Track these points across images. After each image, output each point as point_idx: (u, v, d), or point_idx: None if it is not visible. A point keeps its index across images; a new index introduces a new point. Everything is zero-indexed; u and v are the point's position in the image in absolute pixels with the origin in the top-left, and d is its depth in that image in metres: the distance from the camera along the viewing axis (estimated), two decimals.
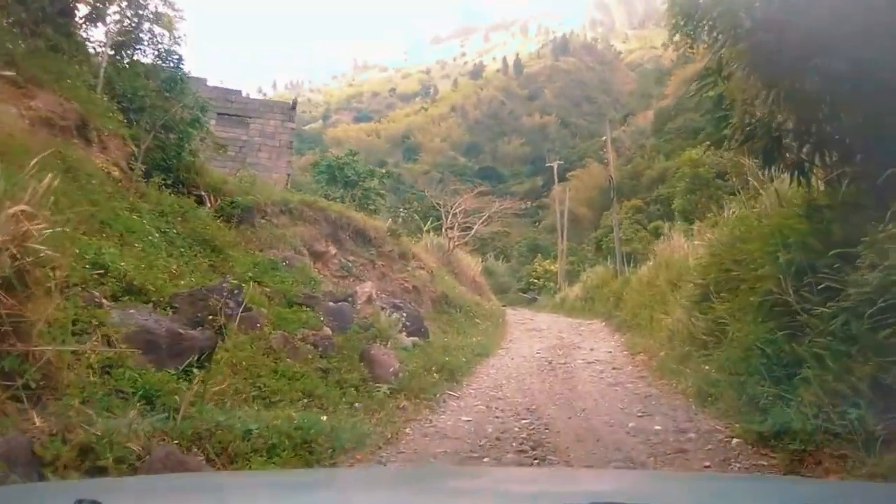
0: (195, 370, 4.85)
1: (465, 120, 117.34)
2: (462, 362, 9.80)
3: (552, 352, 13.05)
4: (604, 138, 45.83)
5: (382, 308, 10.36)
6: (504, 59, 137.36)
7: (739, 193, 12.98)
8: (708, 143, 9.90)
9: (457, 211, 30.27)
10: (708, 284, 8.62)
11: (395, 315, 10.08)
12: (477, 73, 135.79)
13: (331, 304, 9.45)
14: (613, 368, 10.74)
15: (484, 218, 29.50)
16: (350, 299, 10.19)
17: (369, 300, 10.28)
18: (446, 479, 2.73)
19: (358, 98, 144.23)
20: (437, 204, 30.95)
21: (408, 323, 10.40)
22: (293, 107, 18.53)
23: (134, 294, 5.63)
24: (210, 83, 18.27)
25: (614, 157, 46.51)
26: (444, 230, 29.32)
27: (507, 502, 2.06)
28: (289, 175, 18.23)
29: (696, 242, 12.87)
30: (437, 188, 38.61)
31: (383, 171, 27.21)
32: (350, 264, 14.55)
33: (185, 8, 12.99)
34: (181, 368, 4.67)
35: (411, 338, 9.95)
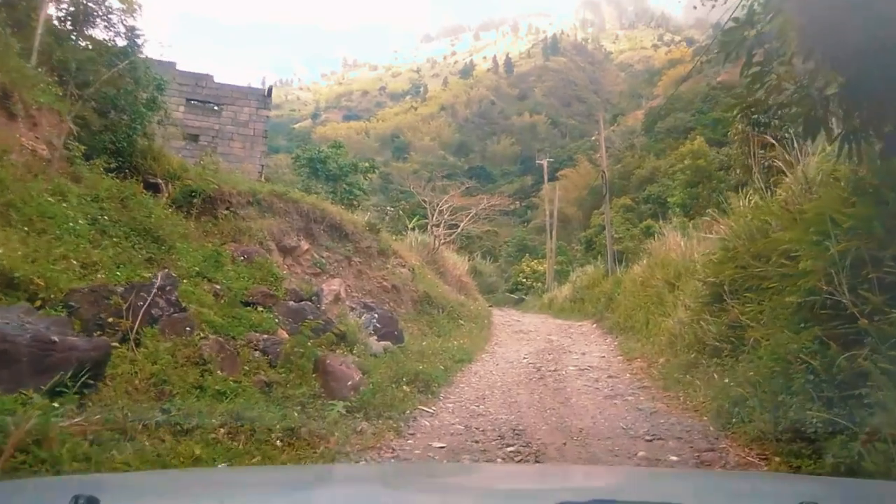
0: (77, 390, 3.64)
1: (454, 119, 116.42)
2: (440, 370, 8.60)
3: (541, 357, 11.89)
4: (594, 137, 44.97)
5: (352, 308, 9.18)
6: (494, 59, 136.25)
7: (747, 185, 11.91)
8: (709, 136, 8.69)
9: (443, 208, 29.06)
10: (721, 283, 7.47)
11: (365, 316, 8.88)
12: (467, 72, 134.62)
13: (291, 303, 8.23)
14: (609, 377, 9.59)
15: (471, 215, 28.29)
16: (315, 298, 8.97)
17: (337, 299, 9.09)
18: (445, 476, 2.72)
19: (347, 96, 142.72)
20: (424, 201, 29.72)
21: (379, 325, 9.21)
22: (268, 93, 17.26)
23: (13, 290, 4.40)
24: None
25: (606, 153, 45.75)
26: (429, 228, 28.12)
27: (508, 500, 2.02)
28: (263, 166, 16.96)
29: (705, 236, 11.66)
30: (426, 187, 37.44)
31: (367, 164, 25.86)
32: (324, 261, 13.32)
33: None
34: (46, 388, 3.45)
35: (383, 342, 8.75)
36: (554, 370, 10.13)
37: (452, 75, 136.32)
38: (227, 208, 12.18)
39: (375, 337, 8.71)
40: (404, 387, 6.99)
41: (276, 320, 7.73)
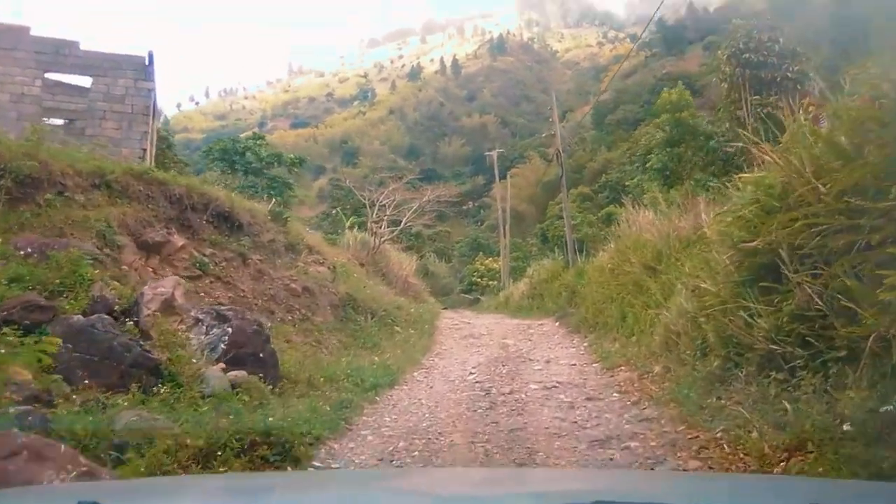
0: None
1: (404, 122, 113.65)
2: (325, 413, 5.39)
3: (493, 370, 8.83)
4: (544, 134, 42.55)
5: (198, 320, 5.90)
6: (441, 61, 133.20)
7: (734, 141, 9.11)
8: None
9: (385, 203, 25.84)
10: (771, 248, 4.46)
11: (215, 331, 5.64)
12: (415, 74, 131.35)
13: (75, 319, 4.95)
14: (589, 398, 6.57)
15: (414, 208, 25.13)
16: (135, 308, 5.69)
17: (168, 307, 5.81)
18: (444, 480, 2.65)
19: (294, 104, 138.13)
20: (362, 196, 26.47)
21: (231, 344, 5.92)
22: (149, 61, 13.82)
23: None
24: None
25: (561, 136, 43.06)
26: (369, 225, 24.88)
27: (507, 503, 1.97)
28: (145, 150, 13.50)
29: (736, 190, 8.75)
30: (374, 188, 34.14)
31: (292, 156, 22.56)
32: (206, 260, 10.02)
33: None
34: None
35: (236, 371, 5.49)
36: (510, 392, 7.07)
37: (400, 79, 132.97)
38: (61, 192, 8.81)
39: (222, 364, 5.46)
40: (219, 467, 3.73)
41: (56, 345, 4.48)
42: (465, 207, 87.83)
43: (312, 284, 11.51)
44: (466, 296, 40.03)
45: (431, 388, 7.74)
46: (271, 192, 20.05)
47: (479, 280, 41.02)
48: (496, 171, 37.12)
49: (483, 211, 77.79)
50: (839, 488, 2.35)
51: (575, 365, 9.22)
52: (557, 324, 15.46)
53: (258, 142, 20.05)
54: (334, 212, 28.60)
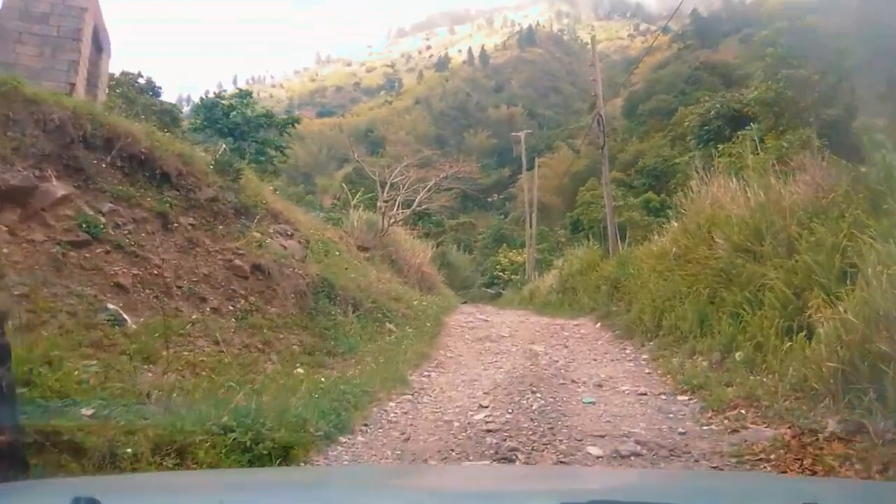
0: None
1: (430, 112, 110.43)
2: None
3: (517, 402, 5.39)
4: (572, 126, 38.86)
5: None
6: (469, 51, 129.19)
7: None
8: None
9: (395, 180, 22.49)
10: None
11: None
12: (442, 65, 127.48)
13: None
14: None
15: (429, 186, 21.70)
16: None
17: None
18: (445, 477, 2.64)
19: (321, 93, 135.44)
20: (371, 172, 23.15)
21: None
22: None
23: None
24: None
25: (585, 140, 38.89)
26: (379, 204, 21.53)
27: (508, 501, 1.89)
28: (73, 84, 10.21)
29: None
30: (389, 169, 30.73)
31: (286, 116, 19.30)
32: (101, 219, 6.73)
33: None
34: None
35: None
36: (551, 462, 3.61)
37: (427, 69, 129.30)
38: None
39: None
40: None
41: None
42: (490, 199, 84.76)
43: (269, 263, 8.15)
44: (488, 290, 36.82)
45: (406, 440, 4.31)
46: (261, 157, 16.80)
47: (501, 273, 37.75)
48: (524, 154, 33.45)
49: (508, 203, 74.93)
50: (839, 487, 2.31)
51: (646, 395, 5.73)
52: (598, 325, 11.94)
53: (244, 100, 16.76)
54: (343, 189, 25.34)
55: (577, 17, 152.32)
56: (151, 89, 36.60)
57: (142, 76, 39.02)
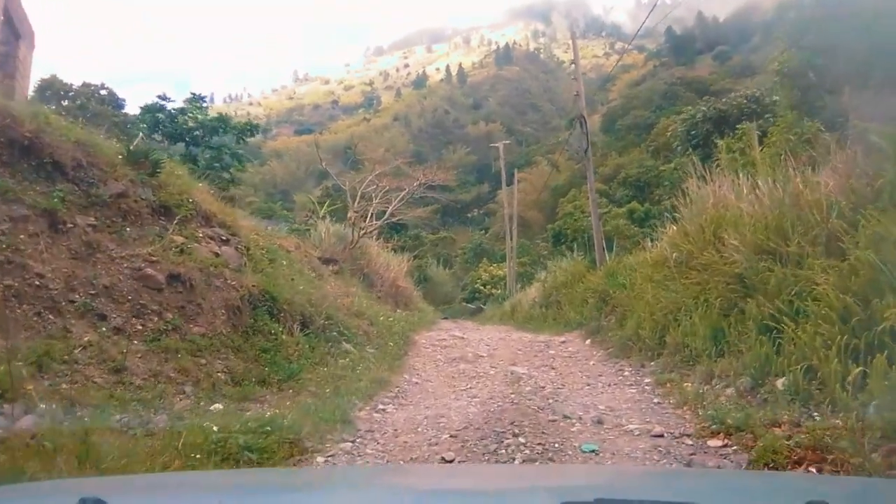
0: None
1: (408, 129, 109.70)
2: None
3: (495, 454, 3.92)
4: (551, 142, 37.71)
5: None
6: (447, 69, 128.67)
7: None
8: None
9: (367, 190, 21.07)
10: None
11: None
12: (420, 83, 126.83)
13: None
14: None
15: (402, 194, 20.27)
16: None
17: None
18: (443, 477, 2.58)
19: (299, 110, 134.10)
20: (341, 182, 21.74)
21: None
22: None
23: None
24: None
25: (564, 155, 37.61)
26: (350, 215, 20.05)
27: (509, 500, 1.82)
28: None
29: None
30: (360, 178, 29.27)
31: (245, 120, 17.84)
32: None
33: None
34: None
35: None
36: None
37: (405, 87, 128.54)
38: None
39: None
40: None
41: None
42: (469, 215, 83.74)
43: (192, 272, 6.62)
44: (469, 305, 35.58)
45: None
46: (215, 163, 15.27)
47: (482, 288, 36.54)
48: (503, 163, 32.28)
49: (488, 218, 74.46)
50: (839, 486, 2.26)
51: (663, 437, 4.29)
52: (588, 342, 10.55)
53: (196, 103, 15.25)
54: (311, 200, 23.94)
55: (553, 36, 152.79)
56: (114, 101, 34.89)
57: (104, 88, 37.26)
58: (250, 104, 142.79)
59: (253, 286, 7.15)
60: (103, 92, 36.62)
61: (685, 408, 5.14)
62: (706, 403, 4.95)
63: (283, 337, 7.11)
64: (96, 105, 33.98)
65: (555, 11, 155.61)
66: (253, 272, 7.52)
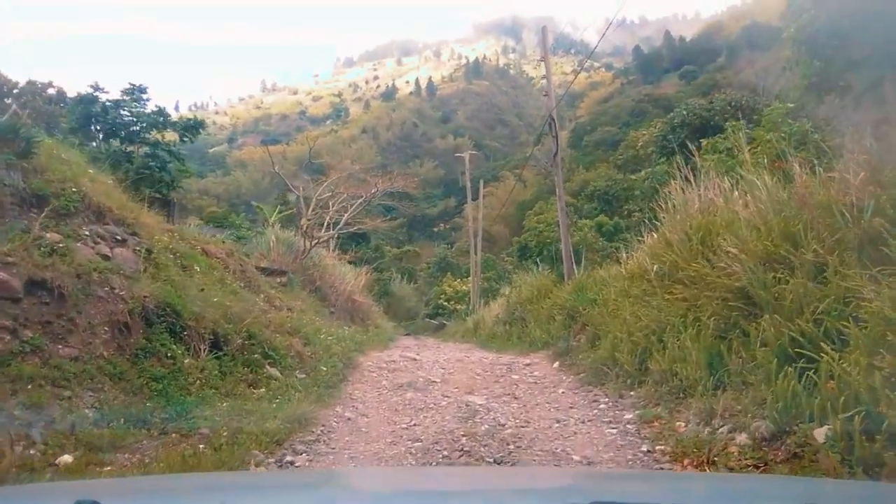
0: None
1: (376, 141, 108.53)
2: None
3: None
4: (518, 156, 36.96)
5: None
6: (417, 82, 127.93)
7: None
8: None
9: (324, 197, 19.76)
10: None
11: None
12: (389, 95, 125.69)
13: None
14: None
15: (360, 201, 18.96)
16: None
17: None
18: (442, 479, 2.54)
19: (266, 120, 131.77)
20: (294, 188, 20.38)
21: None
22: None
23: None
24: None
25: (531, 170, 37.02)
26: (302, 222, 18.67)
27: (506, 502, 1.82)
28: None
29: None
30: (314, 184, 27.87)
31: (191, 118, 16.36)
32: None
33: None
34: None
35: None
36: None
37: (374, 99, 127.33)
38: None
39: None
40: None
41: None
42: (435, 229, 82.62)
43: (63, 278, 5.21)
44: (432, 321, 34.33)
45: None
46: (151, 163, 13.75)
47: (446, 303, 35.21)
48: (468, 174, 31.24)
49: (454, 233, 73.35)
50: (837, 488, 2.23)
51: None
52: (556, 364, 9.33)
53: (134, 97, 13.73)
54: (258, 207, 22.52)
55: (524, 52, 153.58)
56: (62, 100, 32.96)
57: (52, 86, 35.20)
58: (216, 112, 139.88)
59: (147, 297, 5.74)
60: (51, 91, 34.70)
61: (685, 462, 3.93)
62: (714, 457, 3.74)
63: (185, 361, 5.71)
64: (42, 104, 32.17)
65: (525, 28, 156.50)
66: (153, 280, 6.11)
